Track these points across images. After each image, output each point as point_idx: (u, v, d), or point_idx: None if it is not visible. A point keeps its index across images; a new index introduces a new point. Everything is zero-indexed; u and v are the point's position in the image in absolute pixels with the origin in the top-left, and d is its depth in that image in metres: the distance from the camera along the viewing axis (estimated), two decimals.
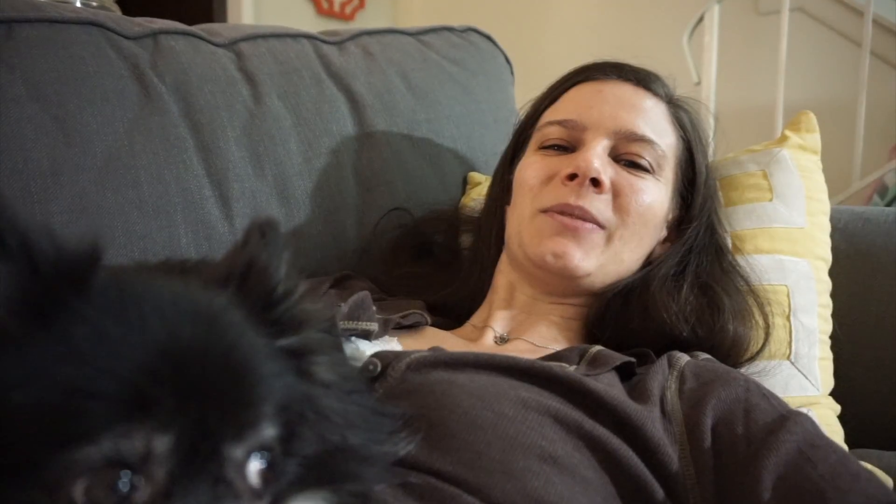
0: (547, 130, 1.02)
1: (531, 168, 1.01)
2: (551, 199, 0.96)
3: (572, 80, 1.06)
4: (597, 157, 0.95)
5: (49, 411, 0.40)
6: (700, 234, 1.02)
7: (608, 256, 0.96)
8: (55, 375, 0.41)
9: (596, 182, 0.94)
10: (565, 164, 0.97)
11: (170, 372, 0.42)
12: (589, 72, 1.05)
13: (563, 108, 1.04)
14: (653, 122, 1.00)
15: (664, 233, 1.04)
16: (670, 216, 1.03)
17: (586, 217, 0.94)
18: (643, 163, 0.98)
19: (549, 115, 1.05)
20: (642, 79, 1.03)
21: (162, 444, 0.41)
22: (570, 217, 0.94)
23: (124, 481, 0.41)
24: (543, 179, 0.99)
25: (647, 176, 0.98)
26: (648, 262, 1.02)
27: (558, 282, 0.97)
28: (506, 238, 1.05)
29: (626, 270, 0.99)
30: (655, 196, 0.98)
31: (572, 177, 0.95)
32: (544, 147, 1.02)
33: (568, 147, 1.00)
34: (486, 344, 0.98)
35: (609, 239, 0.96)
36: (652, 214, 0.98)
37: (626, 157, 0.98)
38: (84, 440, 0.40)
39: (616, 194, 0.96)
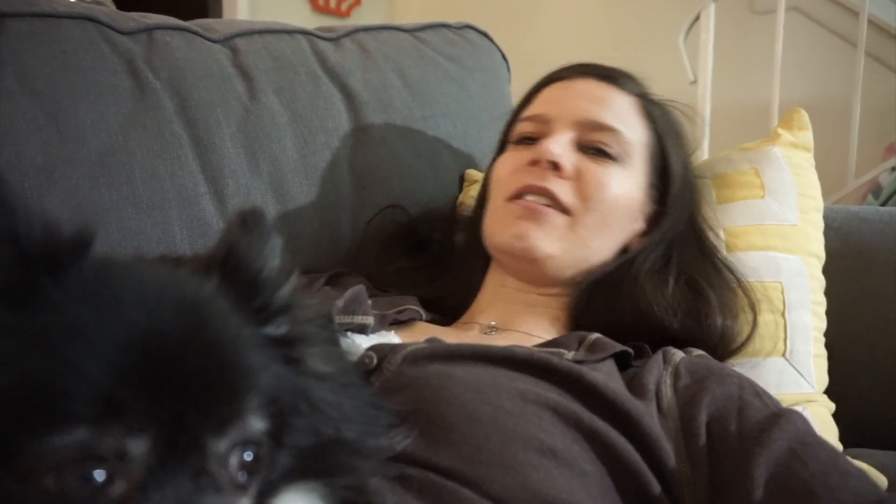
0: (518, 127, 1.08)
1: (501, 164, 1.06)
2: (515, 184, 0.99)
3: (544, 82, 1.11)
4: (556, 143, 0.99)
5: (21, 400, 0.39)
6: (680, 226, 1.03)
7: (573, 242, 0.98)
8: (26, 365, 0.40)
9: (556, 165, 0.97)
10: (530, 153, 1.01)
11: (146, 366, 0.41)
12: (559, 73, 1.11)
13: (533, 107, 1.09)
14: (618, 113, 1.02)
15: (641, 225, 1.04)
16: (647, 209, 1.04)
17: (550, 196, 0.96)
18: (608, 150, 1.00)
19: (522, 114, 1.09)
20: (608, 75, 1.07)
21: (136, 444, 0.40)
22: (533, 199, 0.97)
23: (99, 472, 0.40)
24: (511, 171, 1.02)
25: (612, 163, 1.00)
26: (624, 252, 1.02)
27: (526, 267, 0.99)
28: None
29: (596, 258, 1.00)
30: (620, 183, 1.00)
31: (534, 162, 0.99)
32: (516, 142, 1.07)
33: (536, 139, 1.03)
34: (475, 335, 0.98)
35: (573, 224, 0.98)
36: (616, 201, 0.99)
37: (591, 144, 1.00)
38: (56, 433, 0.39)
39: (579, 180, 0.98)
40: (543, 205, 0.97)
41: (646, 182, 1.03)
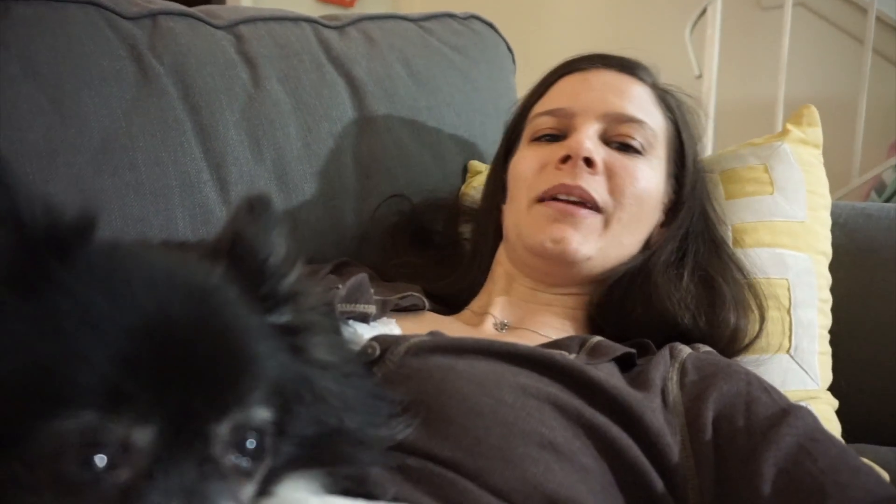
0: (537, 122, 1.04)
1: (524, 161, 1.03)
2: (547, 184, 0.97)
3: (558, 73, 1.09)
4: (588, 138, 0.96)
5: (29, 385, 0.39)
6: (695, 218, 1.03)
7: (607, 240, 0.96)
8: (34, 350, 0.40)
9: (589, 162, 0.95)
10: (558, 150, 0.98)
11: (154, 353, 0.41)
12: (574, 64, 1.08)
13: (551, 100, 1.06)
14: (640, 103, 1.01)
15: (661, 216, 1.04)
16: (666, 199, 1.03)
17: (584, 196, 0.95)
18: (634, 143, 0.99)
19: (538, 107, 1.06)
20: (626, 65, 1.05)
21: (142, 434, 0.40)
22: (566, 203, 0.95)
23: (103, 459, 0.40)
24: (537, 169, 1.00)
25: (639, 157, 0.99)
26: (647, 246, 1.02)
27: (558, 270, 0.97)
28: (504, 233, 1.05)
29: (626, 254, 0.99)
30: (649, 177, 0.99)
31: (565, 159, 0.96)
32: (536, 139, 1.04)
33: (559, 136, 1.01)
34: (487, 330, 0.98)
35: (607, 222, 0.96)
36: (647, 195, 0.99)
37: (618, 138, 0.99)
38: (62, 419, 0.39)
39: (610, 176, 0.96)
40: (575, 203, 0.94)
41: (666, 172, 1.03)
